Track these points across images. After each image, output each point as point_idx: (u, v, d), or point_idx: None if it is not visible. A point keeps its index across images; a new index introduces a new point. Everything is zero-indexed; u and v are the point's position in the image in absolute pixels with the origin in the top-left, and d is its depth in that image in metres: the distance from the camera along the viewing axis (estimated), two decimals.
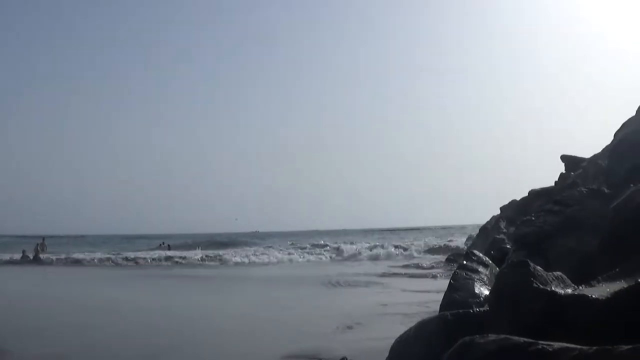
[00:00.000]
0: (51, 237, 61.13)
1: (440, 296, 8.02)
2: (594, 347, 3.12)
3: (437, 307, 7.59)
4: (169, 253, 36.99)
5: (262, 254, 36.49)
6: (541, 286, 4.58)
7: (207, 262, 32.90)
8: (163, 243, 48.22)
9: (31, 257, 34.41)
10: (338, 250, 35.31)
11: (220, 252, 38.39)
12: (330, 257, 33.11)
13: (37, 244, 37.73)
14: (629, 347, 2.98)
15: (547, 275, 4.79)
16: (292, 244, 46.24)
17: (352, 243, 40.64)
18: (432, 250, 33.69)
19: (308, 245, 41.92)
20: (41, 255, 34.86)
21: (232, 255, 35.37)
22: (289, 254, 35.79)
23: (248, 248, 43.46)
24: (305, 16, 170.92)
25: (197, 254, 36.19)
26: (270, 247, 43.01)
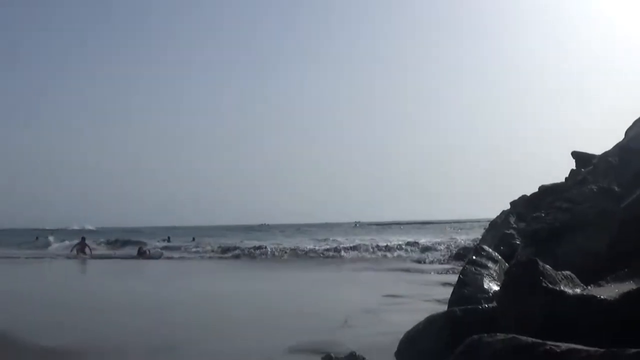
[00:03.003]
0: (59, 230, 62.12)
1: (449, 290, 8.03)
2: (601, 350, 3.14)
3: (446, 301, 7.61)
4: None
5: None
6: (550, 285, 4.59)
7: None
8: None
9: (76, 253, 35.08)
10: (349, 246, 35.05)
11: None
12: (339, 251, 32.89)
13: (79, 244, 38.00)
14: (636, 350, 3.00)
15: (556, 274, 4.80)
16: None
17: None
18: (439, 244, 33.57)
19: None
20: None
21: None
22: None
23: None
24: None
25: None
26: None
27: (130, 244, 42.75)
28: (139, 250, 34.70)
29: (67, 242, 42.91)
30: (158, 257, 32.84)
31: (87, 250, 35.72)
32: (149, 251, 34.79)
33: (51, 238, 45.84)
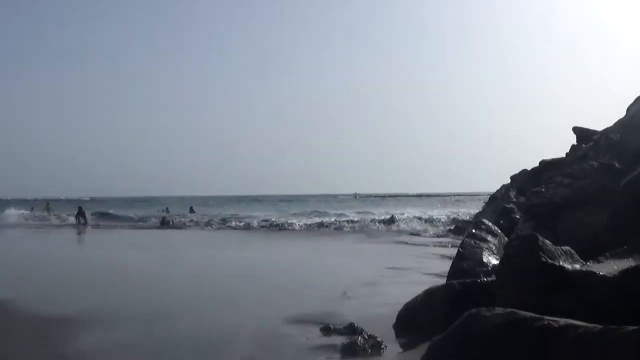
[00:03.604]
0: (53, 200, 62.24)
1: (448, 263, 8.05)
2: (599, 326, 3.16)
3: (445, 274, 7.64)
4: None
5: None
6: (549, 261, 4.60)
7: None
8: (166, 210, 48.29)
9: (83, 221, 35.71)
10: (348, 218, 34.91)
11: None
12: (338, 223, 32.75)
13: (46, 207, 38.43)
14: (635, 328, 3.01)
15: (555, 249, 4.80)
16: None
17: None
18: (439, 217, 33.51)
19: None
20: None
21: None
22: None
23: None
24: None
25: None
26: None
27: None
28: (162, 220, 35.32)
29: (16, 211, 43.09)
30: (181, 226, 33.65)
31: (86, 216, 36.51)
32: (173, 221, 35.52)
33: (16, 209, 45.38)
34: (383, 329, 6.54)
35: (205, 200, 76.75)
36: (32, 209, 47.38)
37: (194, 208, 47.18)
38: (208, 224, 34.09)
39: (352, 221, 32.61)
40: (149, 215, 40.72)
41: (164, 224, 34.21)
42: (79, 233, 29.17)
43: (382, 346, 5.97)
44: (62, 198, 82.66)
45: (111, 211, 44.21)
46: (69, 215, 39.02)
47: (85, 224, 35.65)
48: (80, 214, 36.79)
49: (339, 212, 43.55)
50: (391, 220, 31.68)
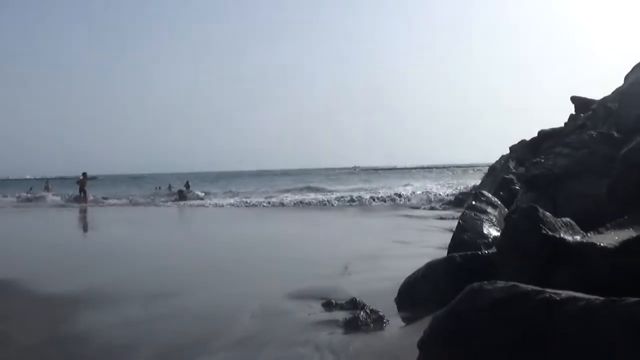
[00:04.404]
0: (52, 178, 62.46)
1: (448, 236, 8.06)
2: (601, 298, 3.16)
3: (446, 247, 7.66)
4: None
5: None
6: (550, 233, 4.60)
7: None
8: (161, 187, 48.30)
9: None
10: (349, 193, 34.82)
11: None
12: (340, 198, 32.70)
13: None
14: (636, 299, 3.02)
15: (555, 221, 4.80)
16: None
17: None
18: (439, 190, 33.49)
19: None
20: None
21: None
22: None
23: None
24: None
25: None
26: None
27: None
28: (180, 194, 36.60)
29: None
30: (195, 199, 35.29)
31: (85, 189, 36.44)
32: (192, 192, 37.37)
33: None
34: (385, 303, 6.57)
35: (202, 177, 76.86)
36: (30, 188, 47.58)
37: (189, 183, 47.13)
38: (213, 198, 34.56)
39: (352, 196, 32.57)
40: (154, 192, 41.06)
41: (182, 198, 34.71)
42: (81, 211, 29.09)
43: (384, 320, 6.01)
44: (62, 176, 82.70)
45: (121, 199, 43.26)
46: (67, 194, 38.97)
47: (85, 197, 35.60)
48: (82, 185, 36.65)
49: (340, 186, 43.55)
50: (391, 193, 31.70)
